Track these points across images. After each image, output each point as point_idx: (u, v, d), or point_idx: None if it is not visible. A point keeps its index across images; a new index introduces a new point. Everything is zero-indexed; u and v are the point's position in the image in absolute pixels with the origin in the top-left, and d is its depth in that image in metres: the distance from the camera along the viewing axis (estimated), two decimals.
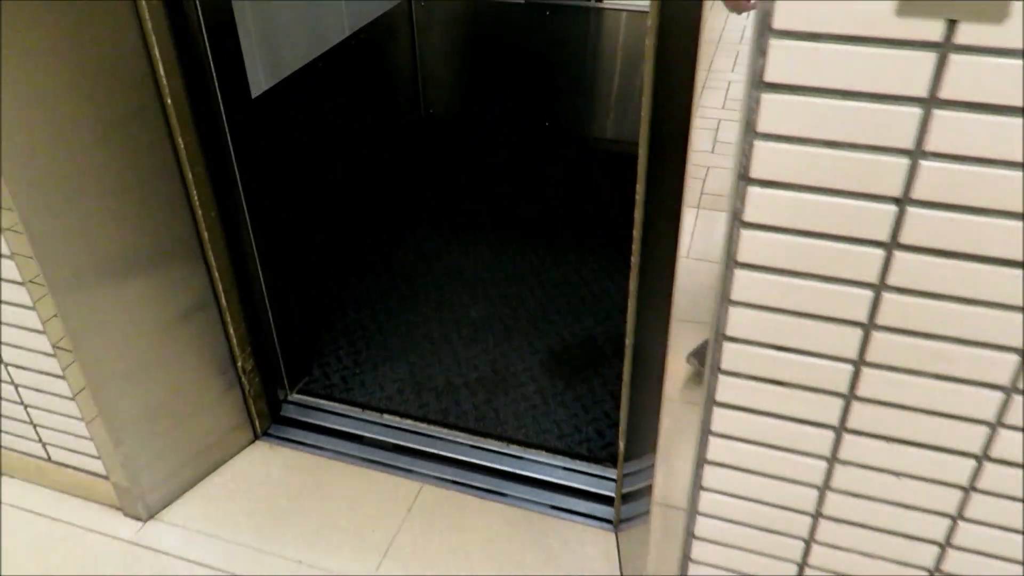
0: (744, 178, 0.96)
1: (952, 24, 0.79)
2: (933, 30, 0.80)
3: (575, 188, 3.36)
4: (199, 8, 1.65)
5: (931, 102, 0.84)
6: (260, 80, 2.58)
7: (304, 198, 3.01)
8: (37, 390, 1.81)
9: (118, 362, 1.74)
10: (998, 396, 1.00)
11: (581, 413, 2.21)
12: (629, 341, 1.69)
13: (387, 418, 2.23)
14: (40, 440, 1.95)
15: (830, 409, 1.10)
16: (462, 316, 2.62)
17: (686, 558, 1.37)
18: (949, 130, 0.85)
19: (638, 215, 1.50)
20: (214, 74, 1.74)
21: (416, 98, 3.80)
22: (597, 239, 3.01)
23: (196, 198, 1.76)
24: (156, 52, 1.57)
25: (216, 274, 1.88)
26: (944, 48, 0.80)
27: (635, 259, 1.55)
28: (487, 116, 3.75)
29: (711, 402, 1.16)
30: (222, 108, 1.78)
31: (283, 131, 2.76)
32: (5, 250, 1.53)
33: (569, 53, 3.44)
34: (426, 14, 3.56)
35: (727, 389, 1.14)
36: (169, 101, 1.63)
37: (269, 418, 2.24)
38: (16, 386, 1.83)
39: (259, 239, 2.00)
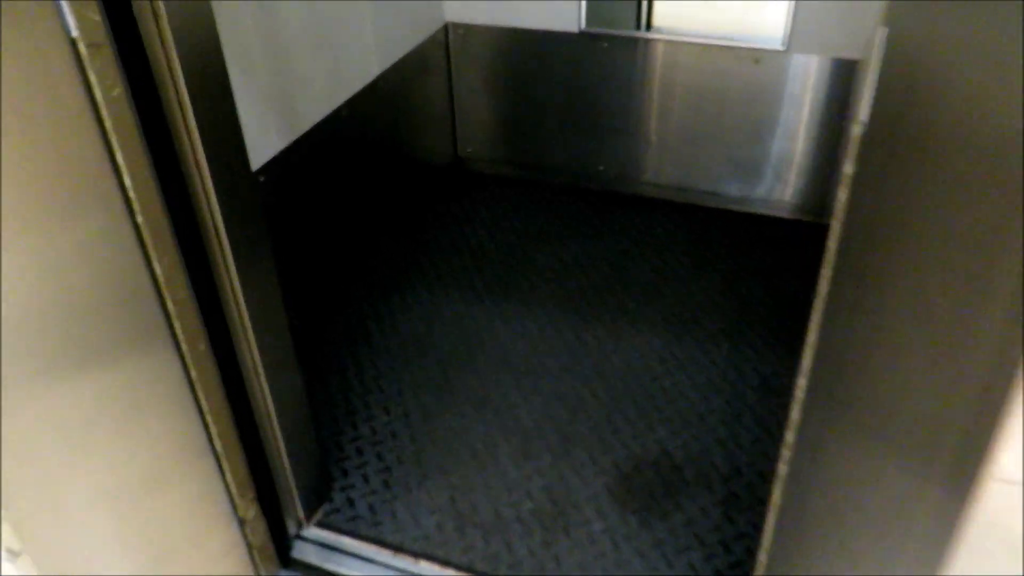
0: None
1: None
2: None
3: (636, 248, 2.92)
4: (184, 91, 1.25)
5: None
6: (273, 141, 2.19)
7: (322, 272, 2.62)
8: None
9: (80, 534, 1.35)
10: None
11: (662, 566, 1.79)
12: (783, 469, 1.27)
13: (424, 566, 1.83)
14: None
15: None
16: (510, 419, 2.21)
17: None
18: None
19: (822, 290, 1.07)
20: (205, 171, 1.34)
21: (450, 139, 3.39)
22: (665, 314, 2.58)
23: (180, 331, 1.37)
24: (121, 158, 1.18)
25: (209, 417, 1.49)
26: None
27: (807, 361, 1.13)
28: (530, 159, 3.33)
29: None
30: (216, 212, 1.39)
31: (297, 199, 2.37)
32: None
33: (625, 89, 3.01)
34: (463, 44, 3.15)
35: None
36: (141, 219, 1.23)
37: (278, 562, 1.85)
38: None
39: (266, 349, 1.60)
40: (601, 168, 3.23)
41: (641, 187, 3.21)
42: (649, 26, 2.97)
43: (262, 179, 2.15)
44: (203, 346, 1.43)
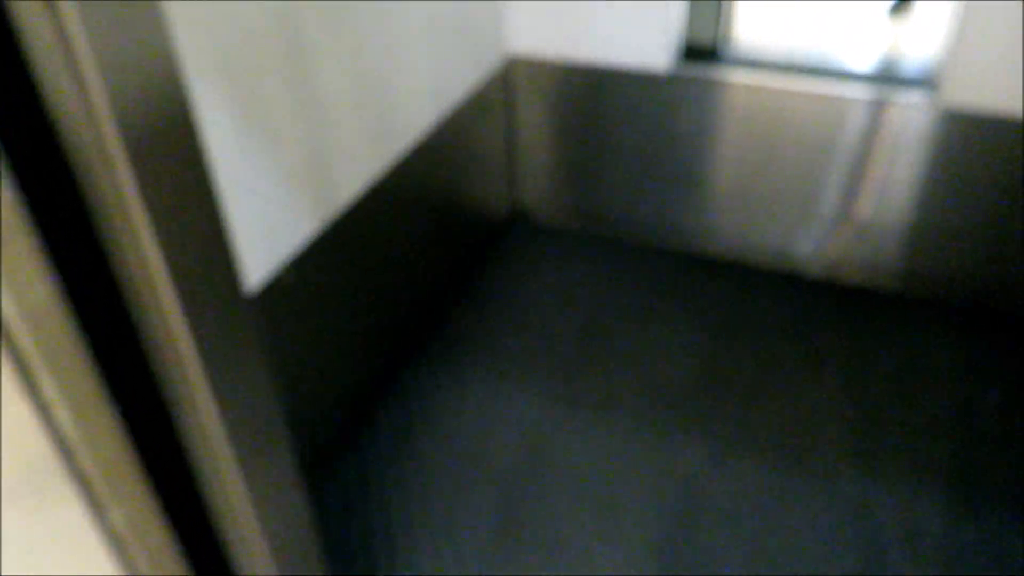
0: None
1: None
2: None
3: (733, 329, 2.46)
4: (148, 244, 0.84)
5: None
6: (306, 223, 1.78)
7: (364, 363, 2.21)
8: None
9: None
10: None
11: None
12: None
13: None
14: None
15: None
16: None
17: None
18: None
19: None
20: (186, 352, 0.93)
21: (509, 188, 2.96)
22: (774, 427, 2.12)
23: None
24: (50, 390, 0.77)
25: None
26: None
27: None
28: (603, 213, 2.88)
29: None
30: (205, 407, 0.98)
31: (334, 283, 1.96)
32: None
33: (718, 136, 2.54)
34: (527, 85, 2.70)
35: None
36: (87, 465, 0.83)
37: None
38: None
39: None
40: (688, 226, 2.76)
41: (736, 250, 2.74)
42: (726, 52, 2.50)
43: (292, 272, 1.75)
44: None
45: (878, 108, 2.28)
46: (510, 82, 2.71)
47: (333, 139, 1.84)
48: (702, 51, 2.49)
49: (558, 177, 2.87)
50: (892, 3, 3.23)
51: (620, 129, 2.66)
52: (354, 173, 1.96)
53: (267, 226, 1.66)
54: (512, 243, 2.89)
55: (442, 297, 2.60)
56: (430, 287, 2.51)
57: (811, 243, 2.61)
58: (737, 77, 2.40)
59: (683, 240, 2.80)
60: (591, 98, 2.64)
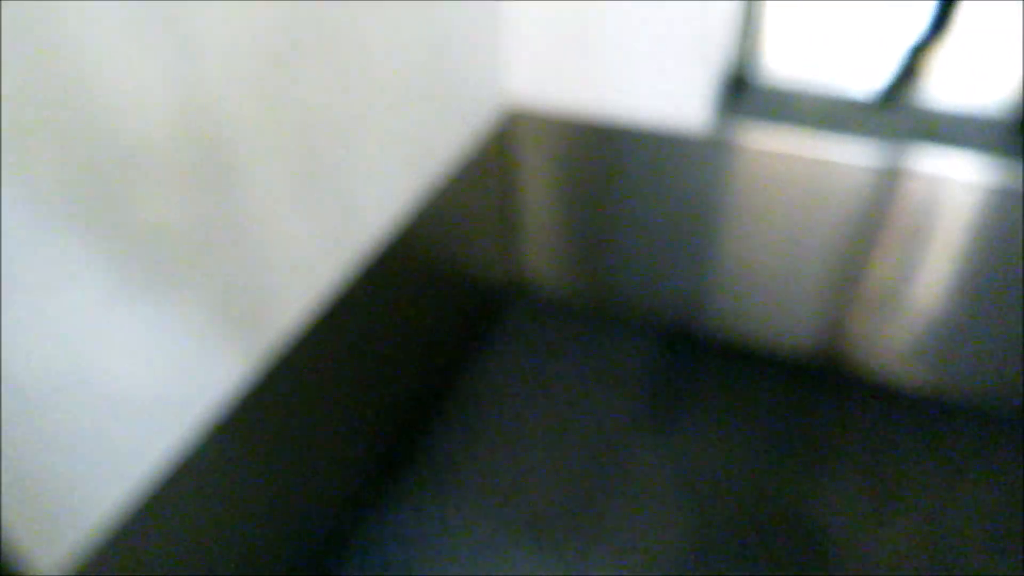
0: None
1: None
2: None
3: (783, 453, 2.02)
4: None
5: None
6: (228, 382, 1.33)
7: (320, 508, 1.76)
8: None
9: None
10: None
11: None
12: None
13: None
14: None
15: None
16: None
17: None
18: None
19: None
20: None
21: (505, 263, 2.51)
22: None
23: None
24: None
25: None
26: None
27: None
28: (611, 296, 2.43)
29: None
30: None
31: (289, 411, 1.52)
32: None
33: (758, 214, 2.10)
34: (529, 142, 2.25)
35: None
36: None
37: None
38: None
39: None
40: (714, 310, 2.32)
41: (773, 342, 2.30)
42: (760, 95, 2.06)
43: (214, 441, 1.30)
44: None
45: (943, 184, 1.84)
46: (509, 139, 2.26)
47: (269, 259, 1.39)
48: (733, 85, 2.05)
49: (563, 249, 2.42)
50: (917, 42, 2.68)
51: (637, 194, 2.22)
52: (303, 290, 1.51)
53: (176, 390, 1.21)
54: (509, 326, 2.45)
55: (426, 404, 2.15)
56: (410, 393, 2.06)
57: (864, 337, 2.17)
58: (777, 142, 1.96)
59: (708, 325, 2.36)
60: (603, 157, 2.20)
